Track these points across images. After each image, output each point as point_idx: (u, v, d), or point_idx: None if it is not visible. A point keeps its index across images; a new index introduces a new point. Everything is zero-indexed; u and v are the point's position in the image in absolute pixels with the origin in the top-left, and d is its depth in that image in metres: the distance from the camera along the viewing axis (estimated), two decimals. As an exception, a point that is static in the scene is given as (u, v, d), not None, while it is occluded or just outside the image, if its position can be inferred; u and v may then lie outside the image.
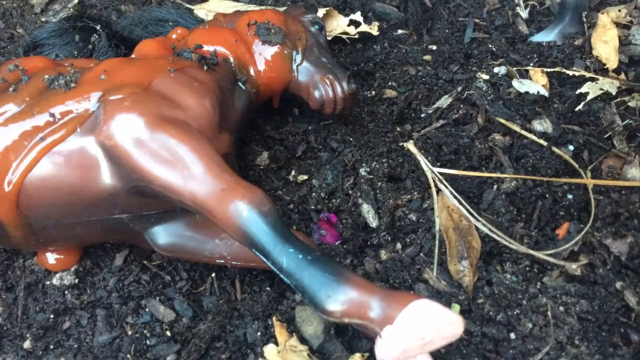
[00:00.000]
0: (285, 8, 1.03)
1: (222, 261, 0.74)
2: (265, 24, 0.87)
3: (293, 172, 0.89)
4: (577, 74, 0.98)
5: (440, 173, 0.82)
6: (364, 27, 1.09)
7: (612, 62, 1.01)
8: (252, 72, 0.85)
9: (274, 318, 0.75)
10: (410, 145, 0.79)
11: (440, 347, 0.59)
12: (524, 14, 1.14)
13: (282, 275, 0.61)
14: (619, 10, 1.07)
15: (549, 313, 0.75)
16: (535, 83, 0.98)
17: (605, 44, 1.03)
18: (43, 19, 1.12)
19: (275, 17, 0.89)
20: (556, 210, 0.83)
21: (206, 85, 0.74)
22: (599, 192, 0.84)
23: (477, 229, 0.81)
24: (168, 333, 0.75)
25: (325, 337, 0.73)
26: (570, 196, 0.84)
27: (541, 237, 0.81)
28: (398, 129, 0.94)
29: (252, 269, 0.78)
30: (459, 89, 0.98)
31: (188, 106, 0.70)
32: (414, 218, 0.84)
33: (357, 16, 1.10)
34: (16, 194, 0.68)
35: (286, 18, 0.90)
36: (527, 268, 0.78)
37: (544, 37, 1.08)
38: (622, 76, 1.00)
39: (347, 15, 1.11)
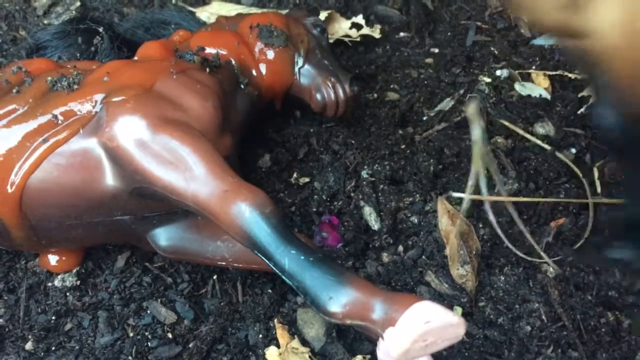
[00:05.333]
0: (287, 11, 1.04)
1: (224, 263, 0.74)
2: (267, 26, 0.87)
3: (295, 175, 0.90)
4: (579, 76, 0.98)
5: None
6: (366, 30, 1.09)
7: (614, 65, 1.00)
8: (254, 74, 0.85)
9: (275, 320, 0.75)
10: (470, 108, 0.74)
11: (442, 349, 0.58)
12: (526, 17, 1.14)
13: (284, 277, 0.61)
14: (621, 14, 1.07)
15: (550, 315, 0.75)
16: (538, 86, 0.98)
17: (607, 47, 1.02)
18: (45, 22, 1.12)
19: (278, 19, 0.89)
20: (556, 212, 0.83)
21: (208, 87, 0.74)
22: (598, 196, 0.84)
23: (477, 232, 0.81)
24: (169, 335, 0.75)
25: (327, 339, 0.73)
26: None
27: (541, 239, 0.81)
28: (400, 131, 0.95)
29: (253, 271, 0.78)
30: (461, 91, 0.98)
31: (190, 108, 0.70)
32: (416, 221, 0.84)
33: (359, 19, 1.10)
34: (19, 195, 0.68)
35: (288, 21, 0.90)
36: (529, 271, 0.78)
37: (546, 40, 1.08)
38: (624, 79, 1.00)
39: (349, 18, 1.11)
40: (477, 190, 0.77)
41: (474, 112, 0.71)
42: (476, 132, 0.72)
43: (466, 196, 0.76)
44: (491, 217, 0.80)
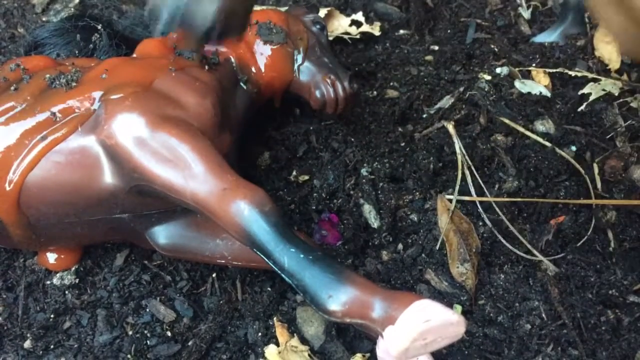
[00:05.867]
0: (286, 8, 1.03)
1: (223, 261, 0.74)
2: (266, 23, 0.86)
3: (294, 173, 0.89)
4: (579, 74, 0.98)
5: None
6: (365, 28, 1.09)
7: (614, 62, 1.00)
8: (253, 71, 0.85)
9: (274, 318, 0.74)
10: (449, 126, 0.82)
11: (442, 348, 0.58)
12: (527, 14, 1.13)
13: (283, 275, 0.61)
14: (622, 11, 1.07)
15: (550, 314, 0.75)
16: (538, 83, 0.98)
17: (608, 44, 1.02)
18: (44, 19, 1.12)
19: (277, 16, 0.88)
20: (556, 210, 0.83)
21: (207, 84, 0.74)
22: (600, 196, 0.84)
23: (477, 230, 0.81)
24: (169, 333, 0.75)
25: (327, 337, 0.73)
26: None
27: (541, 237, 0.81)
28: (400, 129, 0.94)
29: (253, 269, 0.78)
30: (461, 89, 0.98)
31: (189, 105, 0.70)
32: (416, 219, 0.84)
33: (359, 16, 1.10)
34: (17, 193, 0.68)
35: (288, 18, 0.90)
36: (529, 269, 0.78)
37: (546, 37, 1.07)
38: (625, 77, 1.00)
39: (348, 15, 1.11)
40: (479, 191, 0.77)
41: (453, 131, 0.86)
42: (457, 146, 0.83)
43: (454, 197, 0.82)
44: (486, 219, 0.80)
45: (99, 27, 0.87)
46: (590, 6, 0.54)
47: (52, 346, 0.74)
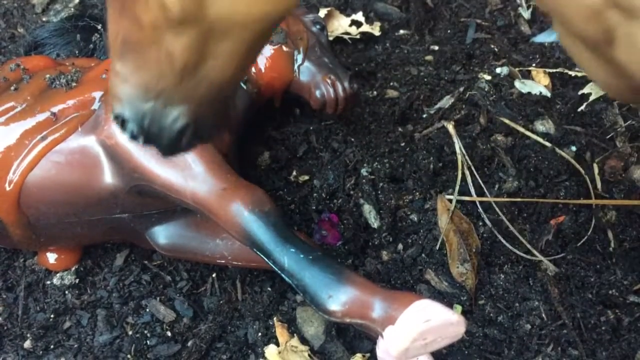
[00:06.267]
0: (286, 8, 1.03)
1: (223, 261, 0.74)
2: (266, 23, 0.86)
3: (294, 173, 0.89)
4: (579, 74, 0.98)
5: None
6: (365, 28, 1.09)
7: (614, 62, 1.00)
8: (253, 72, 0.85)
9: (274, 318, 0.74)
10: (449, 126, 0.84)
11: (442, 348, 0.58)
12: (527, 14, 1.13)
13: (283, 275, 0.61)
14: (622, 11, 1.07)
15: (549, 314, 0.75)
16: (538, 83, 0.98)
17: (608, 44, 1.02)
18: (44, 19, 1.12)
19: (277, 16, 0.88)
20: (557, 210, 0.83)
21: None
22: (600, 196, 0.84)
23: (477, 230, 0.81)
24: (168, 333, 0.75)
25: (327, 337, 0.72)
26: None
27: (541, 237, 0.81)
28: (400, 129, 0.94)
29: (253, 269, 0.78)
30: (461, 89, 0.97)
31: (189, 105, 0.70)
32: (416, 219, 0.84)
33: (359, 16, 1.10)
34: (17, 193, 0.68)
35: (287, 18, 0.90)
36: (529, 269, 0.78)
37: (547, 37, 1.07)
38: (625, 77, 0.99)
39: (348, 15, 1.11)
40: (479, 191, 0.77)
41: (453, 131, 0.86)
42: (457, 146, 0.84)
43: (454, 197, 0.82)
44: (486, 220, 0.80)
45: (99, 27, 0.87)
46: (566, 49, 0.53)
47: (52, 346, 0.74)
